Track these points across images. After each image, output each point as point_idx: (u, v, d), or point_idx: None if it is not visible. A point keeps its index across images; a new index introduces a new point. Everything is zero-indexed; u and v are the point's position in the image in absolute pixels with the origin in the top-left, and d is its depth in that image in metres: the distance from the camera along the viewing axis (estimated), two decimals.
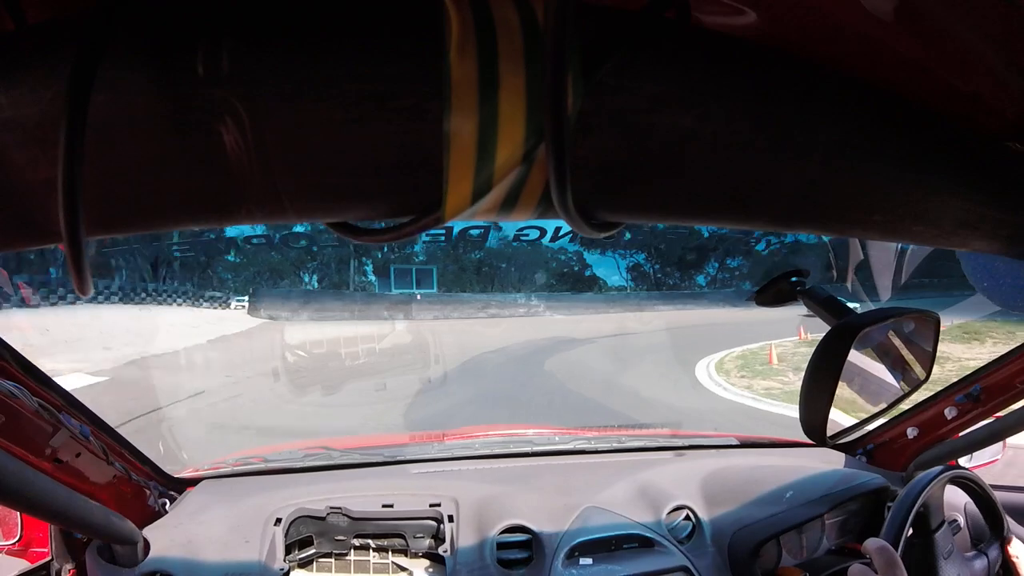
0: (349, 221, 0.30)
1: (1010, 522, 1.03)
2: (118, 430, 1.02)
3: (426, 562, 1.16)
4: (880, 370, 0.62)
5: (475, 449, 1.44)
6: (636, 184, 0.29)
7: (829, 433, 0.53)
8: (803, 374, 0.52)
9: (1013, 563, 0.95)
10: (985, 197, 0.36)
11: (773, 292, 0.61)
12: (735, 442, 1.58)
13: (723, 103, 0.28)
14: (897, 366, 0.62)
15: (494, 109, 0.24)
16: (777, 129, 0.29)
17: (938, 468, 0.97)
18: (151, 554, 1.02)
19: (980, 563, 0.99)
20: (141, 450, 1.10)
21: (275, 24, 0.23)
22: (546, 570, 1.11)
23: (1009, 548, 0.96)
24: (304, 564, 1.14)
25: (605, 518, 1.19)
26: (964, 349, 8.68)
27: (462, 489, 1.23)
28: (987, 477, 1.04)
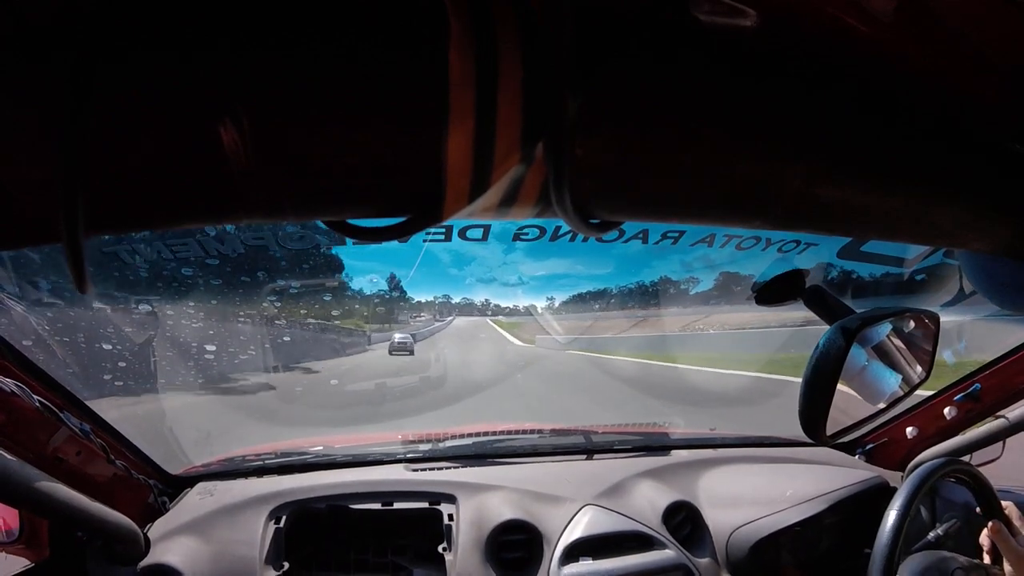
0: (348, 220, 0.30)
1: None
2: (119, 429, 1.02)
3: (426, 561, 1.15)
4: (880, 369, 0.62)
5: (475, 448, 1.44)
6: (634, 183, 0.29)
7: (828, 432, 0.53)
8: (803, 373, 0.52)
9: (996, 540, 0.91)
10: (985, 198, 0.36)
11: (773, 291, 0.61)
12: (734, 440, 1.58)
13: (722, 103, 0.28)
14: (897, 365, 0.62)
15: (492, 108, 0.24)
16: (776, 129, 0.29)
17: (936, 463, 0.97)
18: (152, 552, 1.02)
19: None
20: (142, 449, 1.11)
21: (273, 24, 0.23)
22: (545, 569, 1.11)
23: (991, 528, 0.92)
24: (303, 562, 1.14)
25: (604, 517, 1.19)
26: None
27: (461, 488, 1.23)
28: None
